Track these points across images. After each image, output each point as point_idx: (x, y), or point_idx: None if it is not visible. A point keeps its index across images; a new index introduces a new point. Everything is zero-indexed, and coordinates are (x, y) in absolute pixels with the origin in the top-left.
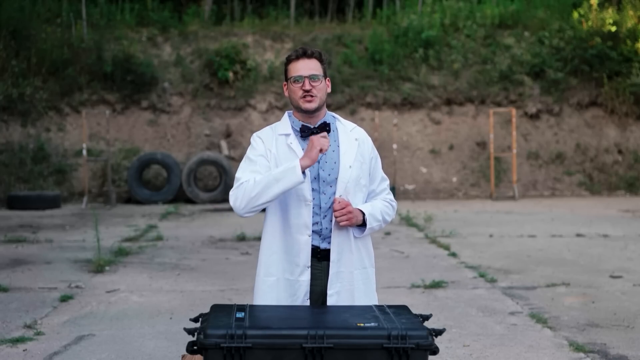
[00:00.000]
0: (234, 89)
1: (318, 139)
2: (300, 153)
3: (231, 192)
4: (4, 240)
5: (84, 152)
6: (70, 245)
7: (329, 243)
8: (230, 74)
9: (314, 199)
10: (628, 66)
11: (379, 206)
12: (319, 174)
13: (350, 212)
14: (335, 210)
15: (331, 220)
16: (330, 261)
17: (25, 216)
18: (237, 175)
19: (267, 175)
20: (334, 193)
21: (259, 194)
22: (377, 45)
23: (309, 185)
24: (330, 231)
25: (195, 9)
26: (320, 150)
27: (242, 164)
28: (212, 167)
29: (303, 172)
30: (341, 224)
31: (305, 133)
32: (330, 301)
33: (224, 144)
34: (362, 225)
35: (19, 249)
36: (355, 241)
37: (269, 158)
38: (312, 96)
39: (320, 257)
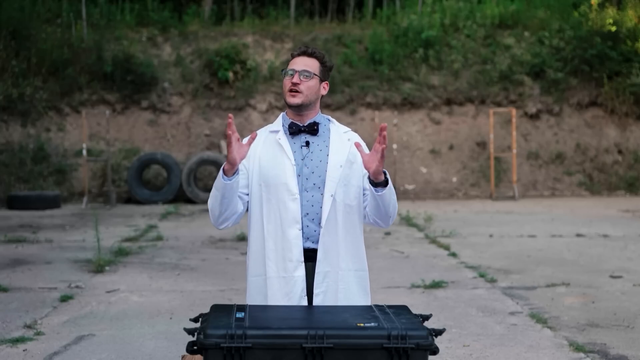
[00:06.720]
0: (234, 89)
1: (229, 141)
2: (288, 148)
3: None
4: (4, 240)
5: (84, 152)
6: (70, 245)
7: (313, 243)
8: (230, 74)
9: (300, 196)
10: (628, 66)
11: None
12: (302, 171)
13: (384, 150)
14: (382, 130)
15: (319, 224)
16: (316, 260)
17: (25, 216)
18: None
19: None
20: (322, 195)
21: (212, 206)
22: (377, 45)
23: (295, 179)
24: (317, 233)
25: (195, 9)
26: (231, 154)
27: None
28: (212, 167)
29: (231, 174)
30: (378, 143)
31: (293, 129)
32: (316, 301)
33: (224, 144)
34: (380, 186)
35: (19, 249)
36: (345, 243)
37: (253, 158)
38: (297, 91)
39: (306, 259)
